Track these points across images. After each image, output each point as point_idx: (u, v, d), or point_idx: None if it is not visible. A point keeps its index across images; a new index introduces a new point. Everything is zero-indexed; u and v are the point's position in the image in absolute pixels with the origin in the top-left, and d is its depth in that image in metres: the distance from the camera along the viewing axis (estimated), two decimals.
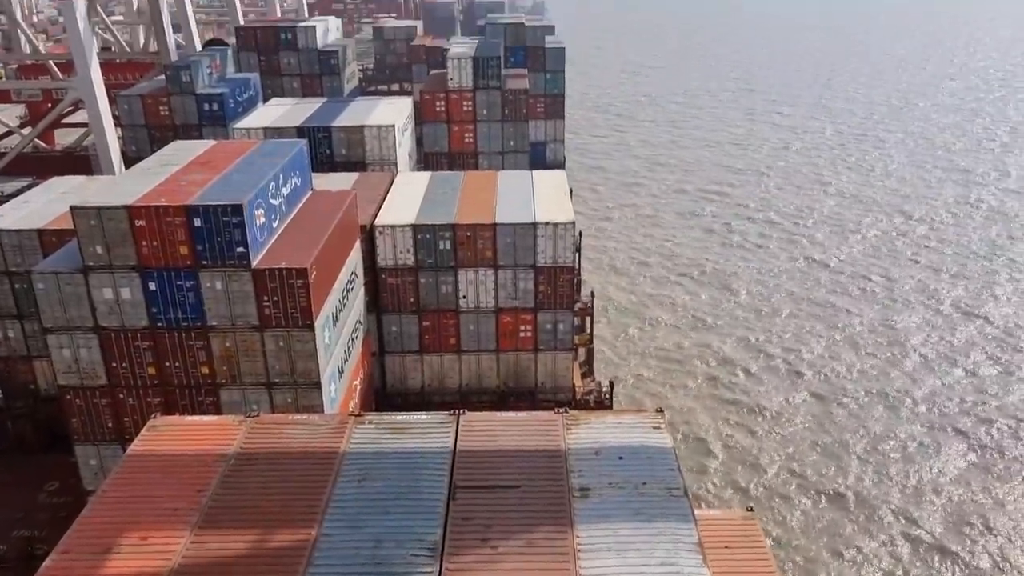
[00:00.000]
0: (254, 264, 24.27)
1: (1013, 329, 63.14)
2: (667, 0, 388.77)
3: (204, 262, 24.09)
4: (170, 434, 18.12)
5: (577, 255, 34.18)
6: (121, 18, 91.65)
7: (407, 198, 35.11)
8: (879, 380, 56.45)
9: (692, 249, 79.53)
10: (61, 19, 77.98)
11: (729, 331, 63.37)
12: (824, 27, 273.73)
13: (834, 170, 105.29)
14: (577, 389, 35.33)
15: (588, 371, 39.30)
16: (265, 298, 24.42)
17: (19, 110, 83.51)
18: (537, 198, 34.62)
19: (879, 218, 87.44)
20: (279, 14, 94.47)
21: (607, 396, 35.71)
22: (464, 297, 32.91)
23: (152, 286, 24.32)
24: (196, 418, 20.81)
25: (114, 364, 25.15)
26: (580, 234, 40.51)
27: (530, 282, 32.72)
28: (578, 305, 38.57)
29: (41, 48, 75.35)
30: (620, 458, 16.77)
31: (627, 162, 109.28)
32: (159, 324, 24.69)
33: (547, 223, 32.09)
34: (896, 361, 58.85)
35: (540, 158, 58.78)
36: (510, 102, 51.29)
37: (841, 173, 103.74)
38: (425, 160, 51.39)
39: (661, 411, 18.43)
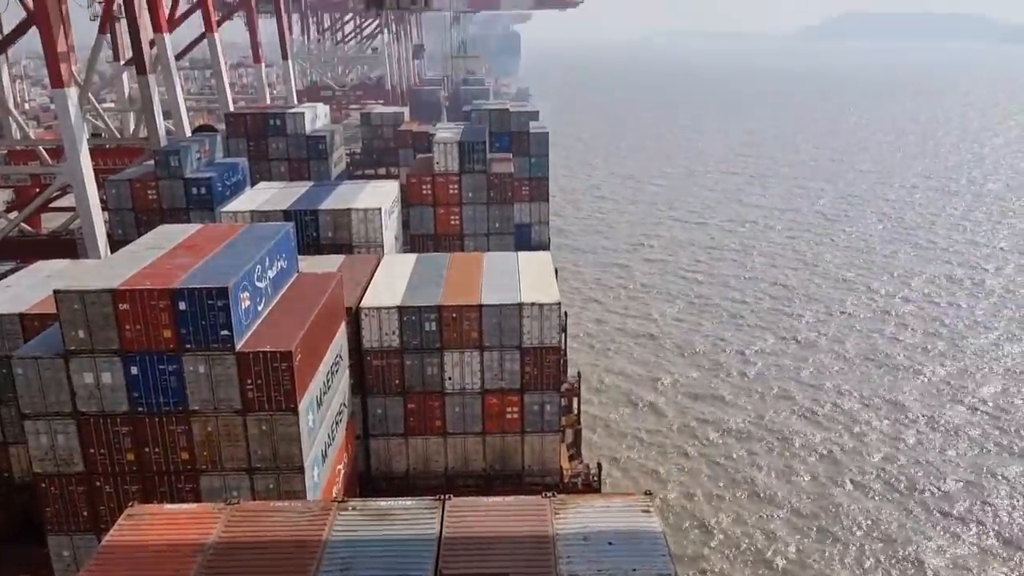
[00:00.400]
0: (238, 347, 24.11)
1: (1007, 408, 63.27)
2: (652, 84, 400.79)
3: (187, 346, 23.91)
4: (147, 523, 17.61)
5: (563, 335, 34.26)
6: (112, 105, 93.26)
7: (393, 280, 35.23)
8: (875, 457, 56.05)
9: (680, 328, 79.78)
10: (53, 106, 79.26)
11: (720, 410, 63.07)
12: (807, 104, 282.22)
13: (818, 248, 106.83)
14: (565, 471, 34.83)
15: (576, 453, 38.84)
16: (249, 381, 24.16)
17: (6, 194, 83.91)
18: (522, 279, 34.82)
19: (866, 296, 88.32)
20: (269, 101, 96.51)
21: (595, 478, 35.19)
22: (450, 378, 32.71)
23: (134, 370, 24.05)
24: (175, 506, 20.27)
25: (92, 450, 24.62)
26: (566, 314, 40.67)
27: (516, 363, 32.61)
28: (565, 386, 38.40)
29: (31, 134, 76.29)
30: (609, 543, 16.42)
31: (611, 242, 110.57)
32: (139, 409, 24.32)
33: (533, 304, 32.20)
34: (890, 439, 58.56)
35: (525, 240, 59.40)
36: (495, 185, 52.10)
37: (826, 251, 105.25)
38: (411, 242, 51.80)
39: (650, 494, 18.15)
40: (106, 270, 26.16)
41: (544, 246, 59.93)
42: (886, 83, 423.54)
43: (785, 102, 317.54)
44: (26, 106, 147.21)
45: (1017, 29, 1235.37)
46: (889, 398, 64.85)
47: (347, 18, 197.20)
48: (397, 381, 32.72)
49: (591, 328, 79.52)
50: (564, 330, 34.48)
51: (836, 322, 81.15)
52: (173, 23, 71.82)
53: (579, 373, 41.96)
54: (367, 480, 33.47)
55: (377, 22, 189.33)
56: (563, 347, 34.32)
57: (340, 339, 29.87)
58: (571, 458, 37.53)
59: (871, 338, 77.03)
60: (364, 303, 32.53)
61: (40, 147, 68.78)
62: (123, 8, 63.24)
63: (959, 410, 62.96)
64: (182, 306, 23.61)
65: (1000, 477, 53.69)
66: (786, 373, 69.45)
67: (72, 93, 51.10)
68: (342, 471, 29.67)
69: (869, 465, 55.33)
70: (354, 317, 32.02)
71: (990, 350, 74.06)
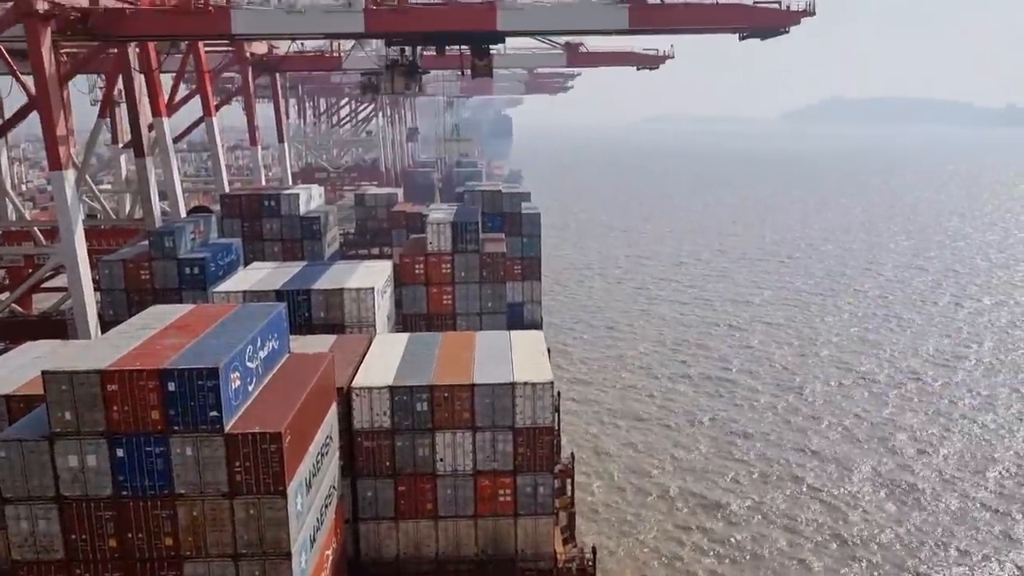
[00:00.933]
0: (227, 428, 23.79)
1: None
2: (642, 166, 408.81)
3: (175, 427, 23.59)
4: None
5: (556, 415, 33.97)
6: (109, 187, 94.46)
7: (385, 360, 35.09)
8: (884, 538, 54.99)
9: (674, 407, 79.19)
10: (50, 188, 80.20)
11: (718, 492, 62.02)
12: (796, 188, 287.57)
13: (811, 325, 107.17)
14: (559, 556, 34.00)
15: (570, 536, 38.05)
16: (237, 463, 23.77)
17: None
18: (515, 358, 34.73)
19: (865, 373, 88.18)
20: (264, 182, 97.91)
21: (590, 563, 34.37)
22: (441, 460, 32.23)
23: (120, 453, 23.66)
24: None
25: (73, 536, 24.01)
26: (558, 394, 40.45)
27: (509, 444, 32.23)
28: (558, 467, 37.86)
29: (27, 215, 76.97)
30: None
31: (604, 321, 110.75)
32: (124, 493, 23.82)
33: (526, 383, 32.03)
34: (895, 521, 57.57)
35: (517, 319, 59.52)
36: (488, 265, 52.52)
37: (819, 327, 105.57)
38: (404, 322, 51.82)
39: None
40: (95, 351, 26.00)
41: (536, 325, 60.04)
42: (869, 164, 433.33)
43: (771, 183, 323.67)
44: (23, 187, 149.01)
45: (992, 112, 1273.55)
46: (894, 478, 64.05)
47: (343, 102, 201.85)
48: (388, 463, 32.22)
49: (584, 408, 78.90)
50: (557, 410, 34.21)
51: (836, 398, 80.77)
52: (172, 108, 73.48)
53: (572, 454, 41.46)
54: (356, 566, 32.59)
55: (372, 106, 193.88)
56: (556, 427, 33.99)
57: (331, 420, 29.55)
58: (565, 542, 36.72)
59: (871, 415, 76.56)
60: (355, 383, 32.30)
61: (35, 228, 69.49)
62: (123, 93, 64.71)
63: (965, 488, 62.16)
64: (171, 387, 23.40)
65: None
66: (784, 454, 68.67)
67: (69, 175, 51.81)
68: (330, 557, 28.92)
69: (879, 548, 54.20)
70: (345, 397, 31.74)
71: (999, 429, 73.57)
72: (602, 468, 66.30)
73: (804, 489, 62.29)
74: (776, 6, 56.23)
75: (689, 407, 79.31)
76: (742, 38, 60.29)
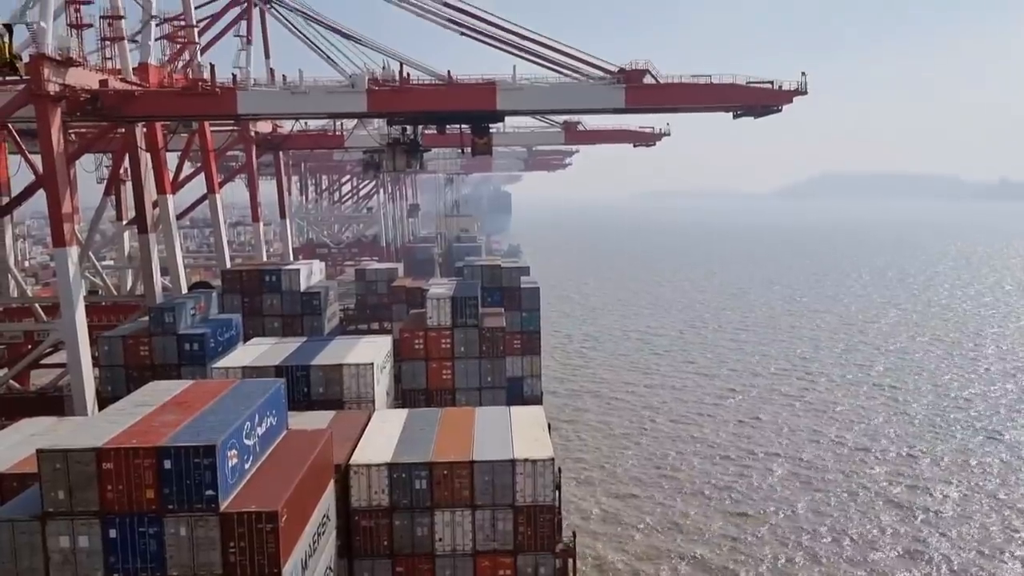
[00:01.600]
0: (223, 507, 23.38)
1: None
2: (639, 241, 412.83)
3: (170, 506, 23.20)
4: None
5: (557, 493, 33.43)
6: (112, 263, 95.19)
7: (383, 436, 34.72)
8: None
9: (679, 485, 77.87)
10: (53, 264, 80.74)
11: (735, 566, 60.43)
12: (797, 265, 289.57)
13: (823, 419, 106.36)
14: None
15: None
16: (232, 544, 23.27)
17: None
18: (515, 434, 34.39)
19: (883, 447, 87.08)
20: (265, 258, 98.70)
21: None
22: (440, 539, 31.55)
23: (112, 533, 23.19)
24: None
25: None
26: (559, 470, 39.86)
27: (509, 522, 31.61)
28: (559, 546, 36.99)
29: (28, 292, 77.26)
30: None
31: (604, 395, 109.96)
32: (115, 575, 23.23)
33: (526, 460, 31.63)
34: None
35: (517, 393, 59.13)
36: (487, 339, 52.45)
37: (829, 396, 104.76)
38: (403, 397, 51.46)
39: None
40: (91, 428, 25.78)
41: (537, 400, 59.61)
42: (865, 238, 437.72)
43: (767, 257, 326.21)
44: (26, 264, 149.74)
45: (985, 187, 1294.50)
46: (908, 547, 62.59)
47: (344, 179, 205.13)
48: (386, 542, 31.53)
49: (586, 485, 77.60)
50: (558, 487, 33.70)
51: (845, 466, 79.52)
52: (177, 185, 74.70)
53: (574, 533, 40.55)
54: None
55: (373, 183, 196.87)
56: (557, 505, 33.44)
57: (328, 498, 29.07)
58: None
59: (893, 487, 75.17)
60: (353, 460, 31.89)
61: (36, 304, 69.64)
62: (129, 171, 65.89)
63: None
64: (167, 465, 23.11)
65: None
66: (805, 532, 67.11)
67: (73, 252, 52.30)
68: None
69: None
70: (343, 475, 31.28)
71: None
72: (605, 548, 64.80)
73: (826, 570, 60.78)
74: (768, 86, 57.86)
75: (696, 480, 77.98)
76: (736, 116, 61.79)
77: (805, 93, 57.57)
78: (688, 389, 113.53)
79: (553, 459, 32.08)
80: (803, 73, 57.68)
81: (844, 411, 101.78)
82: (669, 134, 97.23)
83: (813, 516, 70.13)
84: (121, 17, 62.21)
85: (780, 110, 59.02)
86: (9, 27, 20.19)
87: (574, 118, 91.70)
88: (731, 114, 61.60)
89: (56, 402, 55.29)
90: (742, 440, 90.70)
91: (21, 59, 45.70)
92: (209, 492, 23.21)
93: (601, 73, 57.46)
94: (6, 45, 19.97)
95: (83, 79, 52.79)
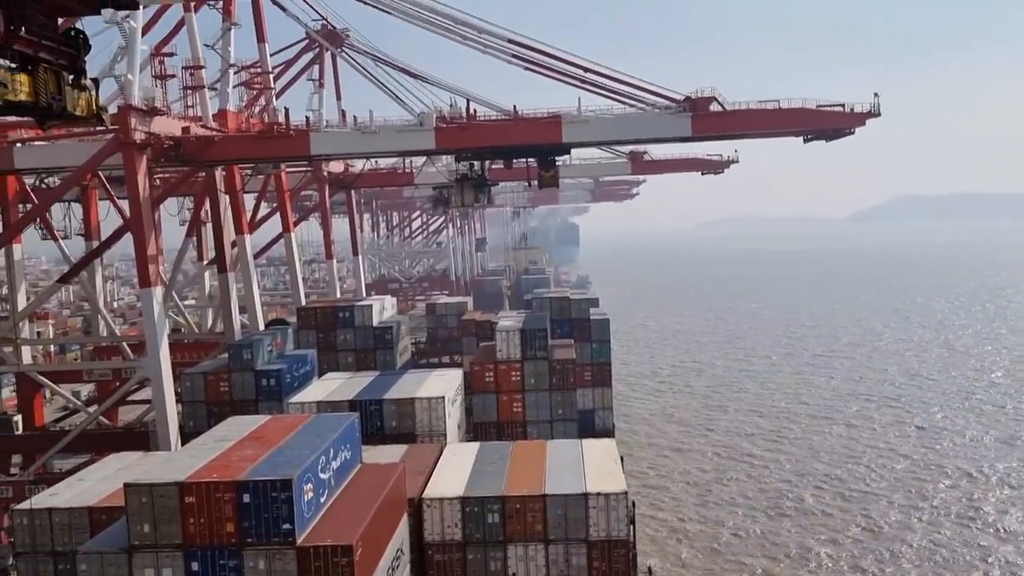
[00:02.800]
0: (299, 541, 23.72)
1: None
2: (709, 270, 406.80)
3: (249, 540, 23.64)
4: None
5: (631, 527, 32.84)
6: (193, 302, 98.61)
7: (456, 469, 34.79)
8: None
9: (755, 519, 75.64)
10: (139, 304, 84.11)
11: None
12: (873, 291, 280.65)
13: (896, 430, 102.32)
14: None
15: None
16: None
17: (88, 389, 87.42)
18: (587, 468, 34.03)
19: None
20: (339, 294, 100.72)
21: None
22: (514, 574, 31.28)
23: (194, 566, 23.75)
24: None
25: None
26: (633, 504, 39.24)
27: (583, 558, 31.17)
28: None
29: (117, 331, 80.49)
30: None
31: (677, 428, 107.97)
32: None
33: (599, 494, 31.24)
34: None
35: (589, 426, 58.55)
36: (557, 372, 52.23)
37: (902, 436, 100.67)
38: (474, 430, 51.52)
39: None
40: (175, 463, 26.57)
41: (608, 432, 58.86)
42: (947, 262, 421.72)
43: (839, 284, 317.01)
44: (115, 304, 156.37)
45: None
46: None
47: (414, 215, 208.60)
48: None
49: (661, 519, 76.04)
50: (632, 521, 33.12)
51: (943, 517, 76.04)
52: (254, 225, 77.14)
53: (650, 569, 39.77)
54: None
55: (442, 218, 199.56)
56: (632, 540, 32.83)
57: (402, 532, 29.20)
58: None
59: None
60: (426, 493, 32.01)
61: (124, 343, 72.54)
62: (209, 213, 68.40)
63: None
64: (246, 498, 23.60)
65: None
66: (865, 558, 64.39)
67: (157, 292, 54.37)
68: None
69: None
70: (416, 508, 31.41)
71: None
72: None
73: None
74: (840, 108, 56.61)
75: (773, 517, 75.63)
76: (807, 140, 60.57)
77: (878, 115, 56.11)
78: (762, 420, 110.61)
79: (626, 492, 31.62)
80: (876, 94, 56.25)
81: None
82: (737, 161, 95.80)
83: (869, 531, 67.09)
84: (201, 67, 65.05)
85: (853, 133, 57.62)
86: (96, 81, 21.31)
87: (640, 148, 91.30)
88: (801, 138, 60.48)
89: (142, 437, 57.18)
90: (819, 475, 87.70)
91: (107, 111, 48.22)
92: (286, 526, 23.60)
93: (666, 102, 57.21)
94: (94, 98, 21.04)
95: (167, 127, 55.27)
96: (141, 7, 52.80)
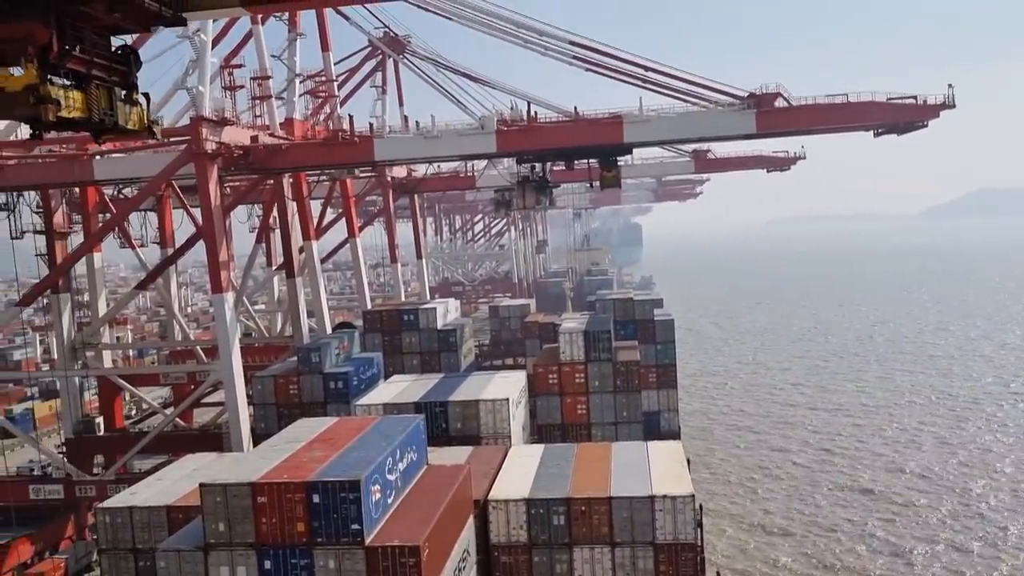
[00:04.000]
0: (367, 541, 24.07)
1: None
2: (774, 269, 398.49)
3: (319, 539, 24.10)
4: None
5: (699, 530, 32.36)
6: (263, 307, 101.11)
7: (520, 471, 34.83)
8: None
9: (821, 527, 73.73)
10: (211, 310, 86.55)
11: None
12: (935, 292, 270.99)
13: (977, 436, 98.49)
14: None
15: None
16: None
17: (165, 391, 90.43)
18: (653, 470, 33.70)
19: None
20: (404, 298, 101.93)
21: None
22: None
23: (267, 564, 24.32)
24: None
25: None
26: (700, 507, 38.68)
27: (650, 561, 30.85)
28: None
29: (191, 335, 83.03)
30: None
31: (744, 429, 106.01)
32: None
33: (665, 496, 30.91)
34: None
35: (654, 428, 58.01)
36: (621, 373, 51.84)
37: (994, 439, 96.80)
38: (539, 432, 51.50)
39: None
40: (247, 463, 27.25)
41: (674, 435, 58.21)
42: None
43: (911, 282, 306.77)
44: (188, 310, 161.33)
45: None
46: None
47: (477, 218, 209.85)
48: None
49: (728, 523, 74.75)
50: (700, 525, 32.62)
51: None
52: (320, 231, 78.68)
53: (718, 573, 39.12)
54: None
55: (505, 221, 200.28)
56: (700, 544, 32.34)
57: (468, 533, 29.36)
58: None
59: None
60: (492, 495, 32.12)
61: (198, 347, 74.82)
62: (277, 220, 70.02)
63: None
64: (316, 499, 24.07)
65: None
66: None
67: (229, 298, 55.85)
68: None
69: None
70: (482, 510, 31.55)
71: None
72: None
73: None
74: (912, 101, 54.85)
75: (840, 522, 73.61)
76: (877, 135, 58.88)
77: (953, 106, 54.16)
78: (830, 422, 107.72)
79: (693, 495, 31.19)
80: (950, 85, 54.31)
81: None
82: (804, 157, 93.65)
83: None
84: (269, 77, 66.66)
85: (926, 125, 55.73)
86: (148, 96, 22.29)
87: (703, 146, 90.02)
88: (871, 133, 58.81)
89: (216, 439, 58.84)
90: (885, 479, 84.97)
91: (158, 123, 50.32)
92: (355, 526, 23.98)
93: (729, 100, 56.29)
94: (145, 112, 21.97)
95: (236, 136, 56.80)
96: (192, 25, 54.47)
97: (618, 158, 61.76)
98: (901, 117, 55.13)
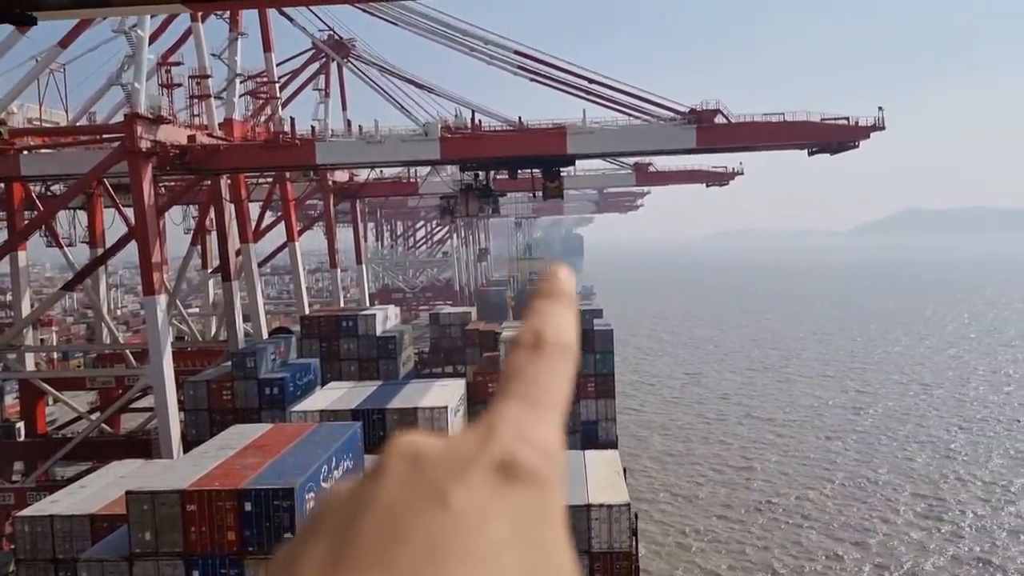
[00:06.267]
0: None
1: None
2: (713, 281, 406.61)
3: (250, 548, 23.62)
4: None
5: (634, 539, 32.67)
6: (197, 310, 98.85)
7: None
8: None
9: (756, 534, 75.31)
10: (143, 312, 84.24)
11: None
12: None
13: (912, 440, 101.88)
14: None
15: None
16: None
17: (91, 396, 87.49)
18: (589, 479, 33.90)
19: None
20: (343, 303, 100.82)
21: None
22: None
23: (195, 574, 23.71)
24: None
25: None
26: (636, 516, 39.14)
27: (585, 569, 31.00)
28: None
29: (120, 339, 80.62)
30: None
31: (681, 439, 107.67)
32: None
33: (601, 505, 31.11)
34: None
35: (592, 437, 58.43)
36: None
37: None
38: None
39: None
40: (177, 470, 26.57)
41: (611, 444, 58.73)
42: (946, 275, 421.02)
43: (842, 296, 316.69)
44: (118, 312, 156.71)
45: None
46: None
47: (419, 225, 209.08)
48: None
49: (663, 532, 75.74)
50: (635, 533, 32.94)
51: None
52: (258, 234, 77.33)
53: None
54: None
55: (447, 228, 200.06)
56: (635, 552, 32.65)
57: None
58: None
59: None
60: None
61: (127, 351, 72.70)
62: (214, 222, 68.62)
63: None
64: (248, 507, 23.58)
65: None
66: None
67: (161, 300, 54.44)
68: None
69: None
70: None
71: None
72: None
73: None
74: (844, 122, 56.72)
75: (778, 533, 75.29)
76: (811, 153, 60.66)
77: (883, 128, 56.21)
78: (767, 433, 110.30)
79: (629, 504, 31.49)
80: (880, 108, 56.41)
81: None
82: (742, 173, 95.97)
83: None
84: (208, 76, 65.37)
85: (857, 146, 57.71)
86: None
87: (645, 159, 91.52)
88: (806, 151, 60.59)
89: (144, 445, 57.15)
90: (819, 488, 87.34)
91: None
92: (288, 535, 23.51)
93: (671, 114, 57.38)
94: None
95: (173, 135, 55.48)
96: (128, 20, 53.18)
97: (561, 169, 62.31)
98: (834, 137, 56.96)
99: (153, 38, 59.73)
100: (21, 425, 63.20)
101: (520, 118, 60.21)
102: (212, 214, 67.69)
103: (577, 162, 65.00)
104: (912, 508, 79.58)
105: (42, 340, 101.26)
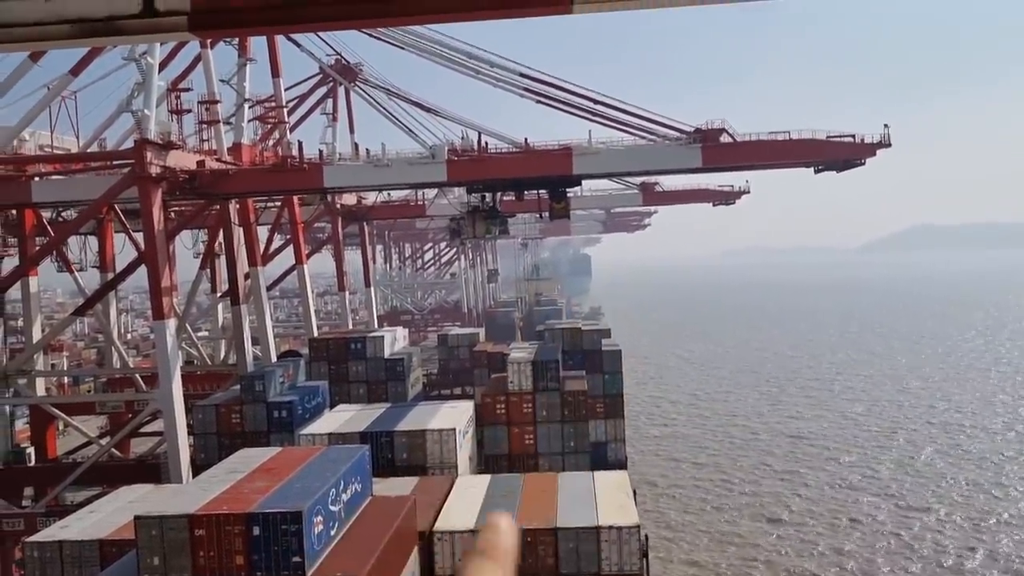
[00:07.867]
0: (309, 574, 23.55)
1: None
2: (721, 300, 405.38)
3: (258, 572, 23.49)
4: None
5: (644, 561, 32.43)
6: (206, 334, 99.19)
7: (467, 502, 34.55)
8: None
9: (771, 556, 74.60)
10: (152, 336, 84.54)
11: None
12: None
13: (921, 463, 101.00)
14: None
15: None
16: None
17: (101, 420, 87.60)
18: (599, 500, 33.73)
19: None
20: (351, 326, 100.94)
21: None
22: None
23: None
24: None
25: None
26: (646, 538, 38.82)
27: None
28: None
29: (130, 363, 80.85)
30: None
31: (691, 459, 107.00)
32: None
33: (611, 527, 30.93)
34: None
35: (601, 458, 58.03)
36: (569, 403, 51.92)
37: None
38: (486, 462, 51.16)
39: None
40: (185, 495, 26.52)
41: (621, 465, 58.32)
42: (957, 290, 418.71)
43: (856, 312, 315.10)
44: (128, 336, 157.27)
45: None
46: None
47: (427, 247, 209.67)
48: None
49: (675, 554, 75.11)
50: (645, 555, 32.68)
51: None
52: (267, 258, 77.73)
53: None
54: None
55: (455, 250, 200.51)
56: (645, 574, 32.39)
57: (412, 566, 28.95)
58: None
59: None
60: (437, 526, 31.78)
61: (136, 375, 72.91)
62: (223, 246, 68.98)
63: None
64: (256, 531, 23.50)
65: None
66: None
67: (171, 324, 54.69)
68: None
69: None
70: (427, 541, 31.17)
71: None
72: None
73: None
74: (850, 139, 56.77)
75: (791, 553, 74.57)
76: (817, 171, 60.69)
77: (889, 145, 56.23)
78: (779, 451, 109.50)
79: (639, 526, 31.29)
80: (886, 125, 56.46)
81: None
82: (749, 191, 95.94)
83: None
84: (217, 102, 66.04)
85: (863, 163, 57.72)
86: None
87: (651, 179, 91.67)
88: (812, 169, 60.63)
89: (153, 469, 57.16)
90: (836, 513, 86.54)
91: None
92: (296, 559, 23.44)
93: (676, 134, 57.57)
94: None
95: (182, 160, 56.00)
96: (138, 48, 53.82)
97: (567, 190, 62.46)
98: (840, 154, 57.00)
99: (163, 65, 60.53)
100: (32, 450, 63.29)
101: (526, 139, 60.55)
102: (221, 238, 68.07)
103: (583, 183, 65.14)
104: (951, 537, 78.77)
105: (53, 365, 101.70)
